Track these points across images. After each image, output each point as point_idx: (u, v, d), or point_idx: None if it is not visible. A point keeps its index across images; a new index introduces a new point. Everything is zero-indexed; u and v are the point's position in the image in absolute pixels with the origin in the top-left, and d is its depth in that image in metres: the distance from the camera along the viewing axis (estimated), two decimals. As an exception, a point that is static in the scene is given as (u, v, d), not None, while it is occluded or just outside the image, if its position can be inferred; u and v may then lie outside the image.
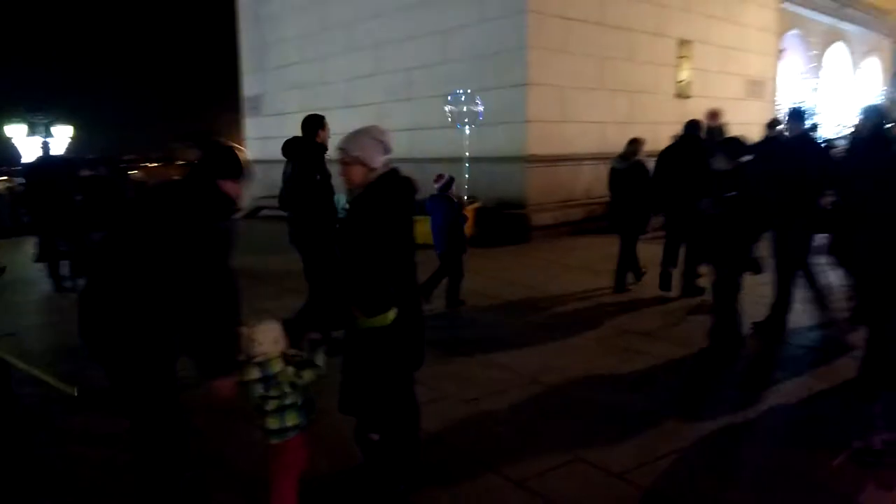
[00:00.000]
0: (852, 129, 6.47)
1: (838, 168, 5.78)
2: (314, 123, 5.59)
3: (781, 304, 5.56)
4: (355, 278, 2.92)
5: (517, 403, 4.39)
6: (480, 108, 10.57)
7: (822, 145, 6.52)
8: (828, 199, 5.81)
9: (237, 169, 2.86)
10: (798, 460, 3.50)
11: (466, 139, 10.64)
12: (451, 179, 6.90)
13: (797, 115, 5.81)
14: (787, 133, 5.76)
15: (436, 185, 6.83)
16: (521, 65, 11.76)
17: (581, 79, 12.65)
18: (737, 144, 5.40)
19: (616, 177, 7.61)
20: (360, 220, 3.05)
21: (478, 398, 4.44)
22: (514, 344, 5.68)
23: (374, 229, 2.97)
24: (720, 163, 5.12)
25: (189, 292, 2.60)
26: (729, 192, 5.00)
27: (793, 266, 5.50)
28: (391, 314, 2.88)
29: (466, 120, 10.62)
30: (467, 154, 10.63)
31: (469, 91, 10.72)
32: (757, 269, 5.25)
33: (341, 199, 5.49)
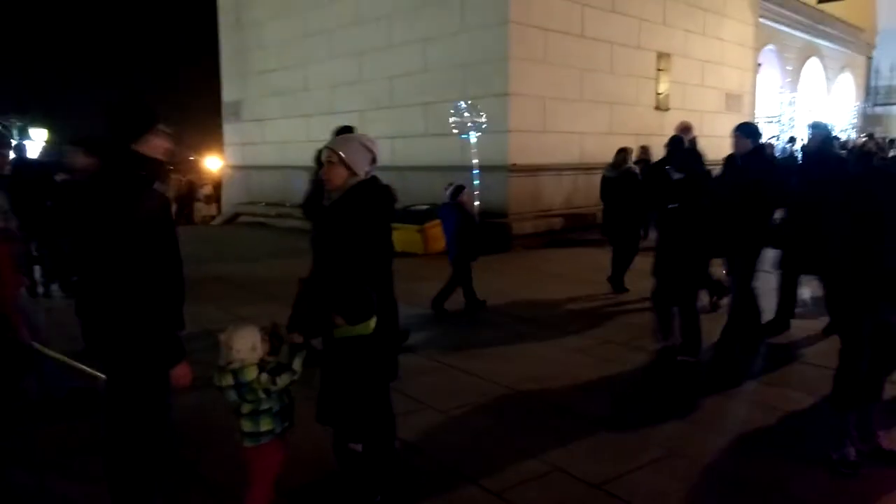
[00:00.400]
0: (800, 146, 6.52)
1: (787, 184, 5.77)
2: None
3: (750, 315, 5.59)
4: (338, 284, 2.89)
5: (496, 413, 4.37)
6: (483, 118, 10.56)
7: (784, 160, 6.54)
8: (778, 215, 5.83)
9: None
10: (775, 471, 3.53)
11: (474, 148, 10.61)
12: (461, 187, 7.00)
13: (746, 130, 5.69)
14: (735, 149, 5.72)
15: (446, 193, 6.91)
16: (502, 75, 11.81)
17: (562, 90, 12.73)
18: (688, 155, 5.38)
19: (608, 185, 7.72)
20: (338, 225, 3.02)
21: (457, 407, 4.41)
22: (495, 352, 5.66)
23: (353, 235, 2.95)
24: (673, 174, 5.14)
25: (138, 273, 2.50)
26: (672, 204, 5.04)
27: (747, 279, 5.51)
28: (372, 323, 2.85)
29: (470, 125, 10.60)
30: (476, 162, 10.59)
31: (471, 101, 10.72)
32: (713, 288, 5.23)
33: None
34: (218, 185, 21.69)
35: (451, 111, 10.70)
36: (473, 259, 6.93)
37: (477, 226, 7.18)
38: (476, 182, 10.30)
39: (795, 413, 4.29)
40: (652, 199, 6.02)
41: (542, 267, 9.76)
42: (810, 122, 6.35)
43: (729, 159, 6.02)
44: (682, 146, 7.28)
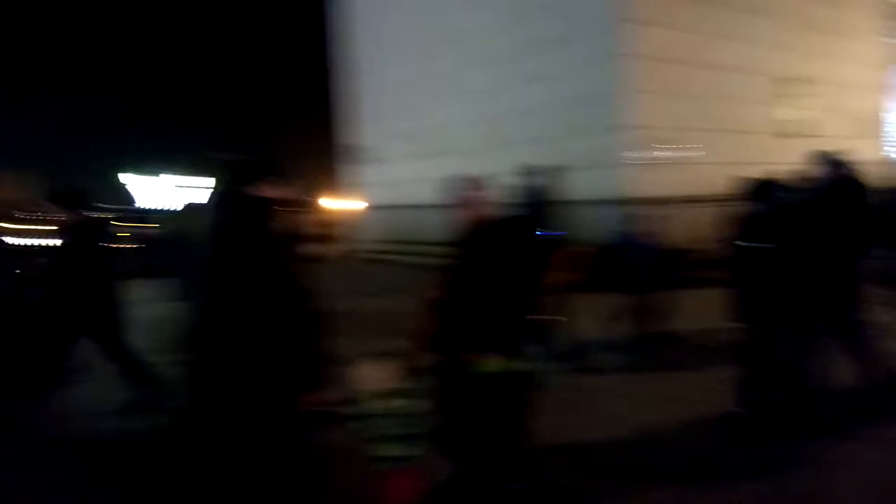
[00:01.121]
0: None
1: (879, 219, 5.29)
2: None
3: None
4: (483, 321, 2.93)
5: (627, 447, 4.34)
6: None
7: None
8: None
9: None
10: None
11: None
12: (633, 218, 7.17)
13: (825, 160, 5.33)
14: (814, 180, 5.31)
15: (627, 225, 7.16)
16: (613, 108, 11.85)
17: (676, 120, 12.58)
18: (773, 188, 4.83)
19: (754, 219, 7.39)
20: (470, 261, 3.10)
21: (573, 443, 4.37)
22: (617, 387, 5.66)
23: (485, 269, 3.03)
24: (756, 207, 4.72)
25: (258, 302, 2.68)
26: (759, 242, 4.59)
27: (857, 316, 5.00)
28: (520, 361, 2.87)
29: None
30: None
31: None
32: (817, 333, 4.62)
33: None
34: (331, 224, 22.73)
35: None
36: (654, 289, 6.88)
37: (659, 258, 7.11)
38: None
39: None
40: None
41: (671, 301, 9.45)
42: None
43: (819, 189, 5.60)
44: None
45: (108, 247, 5.50)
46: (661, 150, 12.31)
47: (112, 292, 5.38)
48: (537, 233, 6.10)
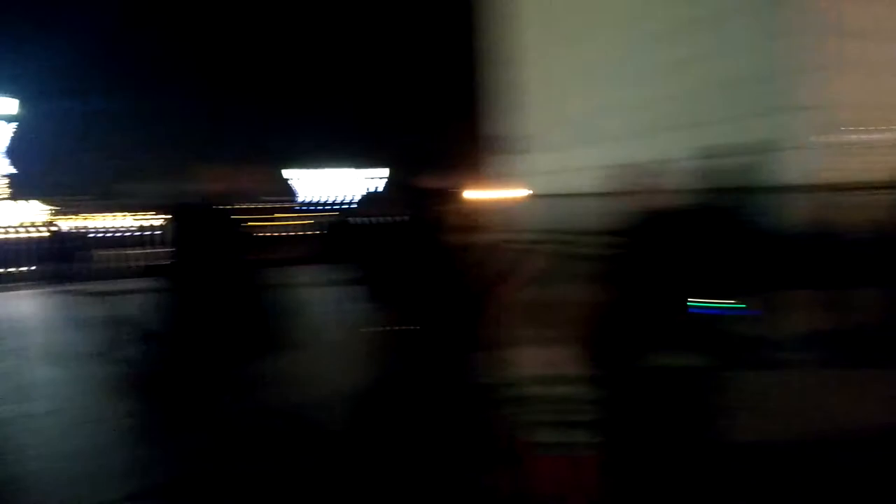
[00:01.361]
0: None
1: None
2: None
3: None
4: (651, 314, 2.86)
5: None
6: None
7: None
8: None
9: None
10: None
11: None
12: (817, 206, 6.86)
13: None
14: None
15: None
16: (787, 88, 11.05)
17: (860, 98, 11.46)
18: None
19: None
20: (642, 252, 2.98)
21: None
22: (794, 385, 5.34)
23: (659, 260, 2.92)
24: None
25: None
26: None
27: None
28: (689, 358, 2.79)
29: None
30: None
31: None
32: None
33: None
34: (486, 214, 23.07)
35: None
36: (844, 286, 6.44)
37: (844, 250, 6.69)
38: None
39: None
40: None
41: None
42: None
43: None
44: None
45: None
46: (842, 131, 11.27)
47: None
48: (720, 223, 5.77)
